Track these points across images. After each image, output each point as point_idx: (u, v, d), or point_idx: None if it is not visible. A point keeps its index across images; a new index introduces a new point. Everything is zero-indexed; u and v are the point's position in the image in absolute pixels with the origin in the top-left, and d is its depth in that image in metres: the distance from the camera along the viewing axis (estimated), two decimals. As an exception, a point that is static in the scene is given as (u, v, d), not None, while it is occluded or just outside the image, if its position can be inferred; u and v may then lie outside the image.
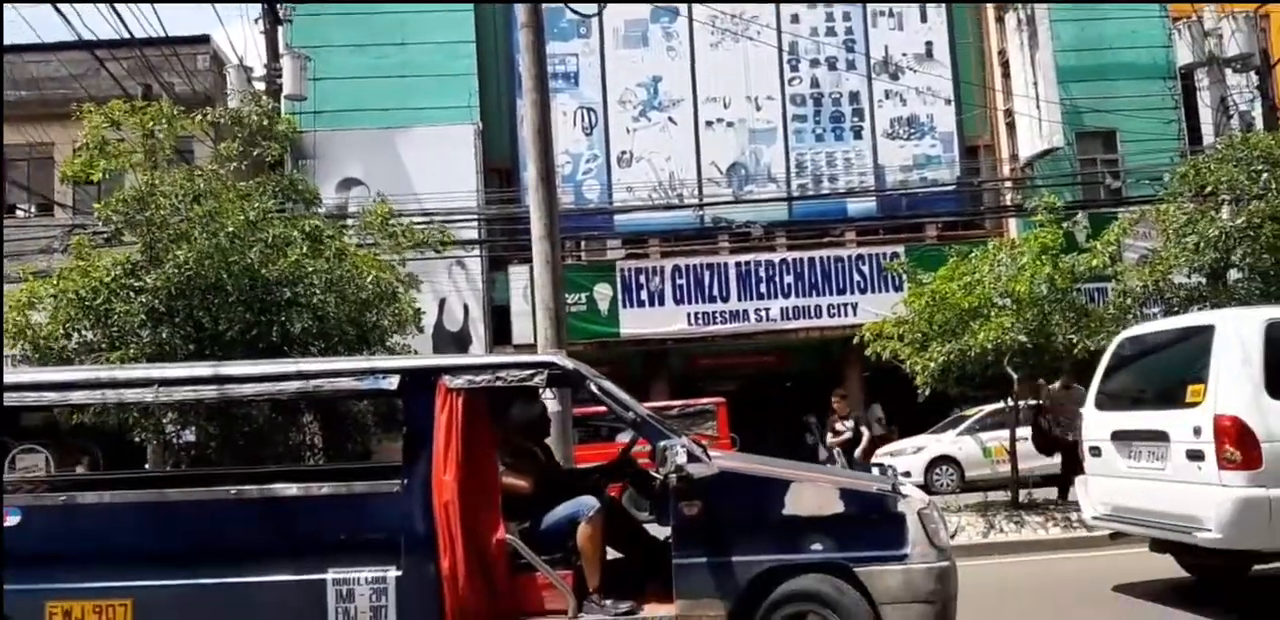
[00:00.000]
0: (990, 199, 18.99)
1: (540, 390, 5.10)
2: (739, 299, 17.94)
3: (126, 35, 13.11)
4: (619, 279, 17.89)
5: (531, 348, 11.05)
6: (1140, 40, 18.71)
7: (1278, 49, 18.51)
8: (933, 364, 10.37)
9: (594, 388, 4.88)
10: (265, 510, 4.72)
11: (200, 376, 4.97)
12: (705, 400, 14.91)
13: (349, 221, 11.86)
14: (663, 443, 4.62)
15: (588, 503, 4.89)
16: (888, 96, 19.07)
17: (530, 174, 9.79)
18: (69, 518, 4.70)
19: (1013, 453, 10.94)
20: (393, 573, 4.56)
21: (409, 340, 10.58)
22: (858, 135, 19.11)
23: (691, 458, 4.59)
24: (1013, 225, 17.80)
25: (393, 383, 4.74)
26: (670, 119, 19.00)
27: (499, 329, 17.55)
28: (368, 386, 4.78)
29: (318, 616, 4.52)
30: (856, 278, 18.07)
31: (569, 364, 4.93)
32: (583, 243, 18.81)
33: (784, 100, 19.07)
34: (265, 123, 11.18)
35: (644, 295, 17.84)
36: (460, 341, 17.42)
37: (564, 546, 4.82)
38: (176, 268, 8.66)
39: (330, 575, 4.55)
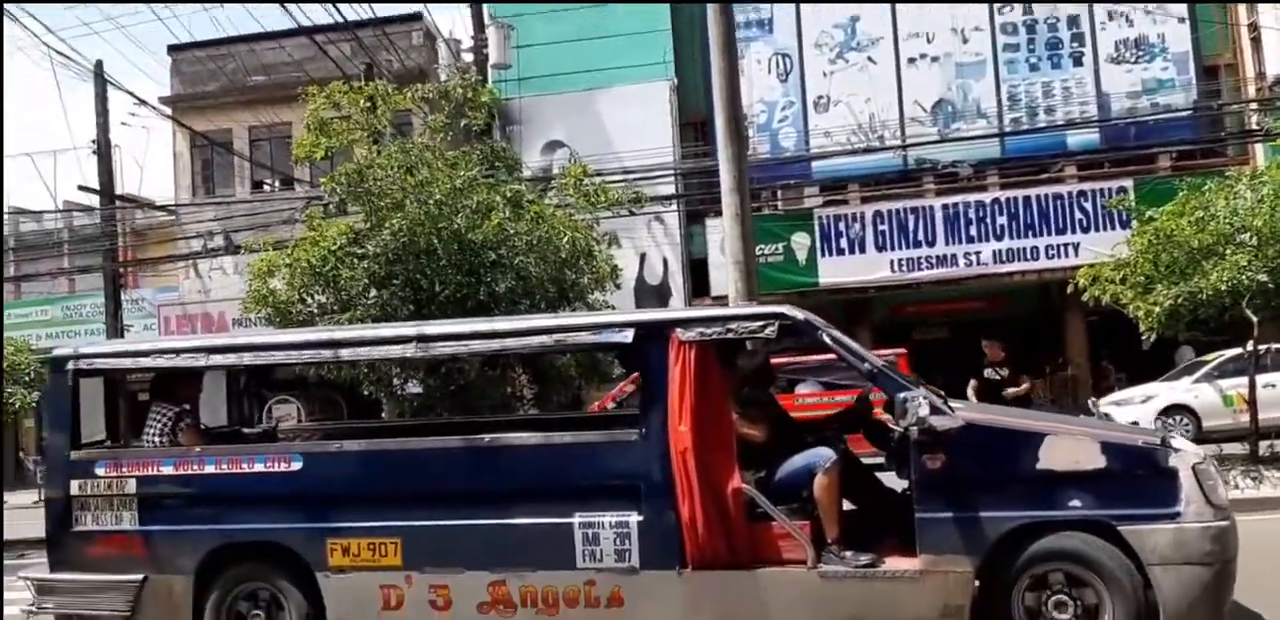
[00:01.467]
0: (1233, 124, 17.09)
1: (767, 341, 5.13)
2: (946, 243, 17.19)
3: (341, 20, 14.00)
4: (817, 227, 17.57)
5: (728, 300, 11.15)
6: None
7: None
8: (1158, 308, 9.63)
9: (826, 338, 4.85)
10: (517, 457, 4.99)
11: (460, 332, 5.30)
12: (885, 351, 14.28)
13: (550, 184, 12.32)
14: (903, 395, 4.51)
15: (824, 453, 4.87)
16: (1111, 17, 17.45)
17: (719, 127, 9.79)
18: (343, 464, 5.15)
19: (1252, 402, 10.04)
20: (634, 517, 4.73)
21: (608, 296, 10.94)
22: (1078, 62, 17.65)
23: (934, 410, 4.48)
24: (1259, 152, 15.98)
25: (628, 336, 4.91)
26: (869, 59, 18.29)
27: (697, 281, 17.76)
28: (605, 339, 4.99)
29: (567, 557, 4.78)
30: (1079, 216, 16.85)
31: (800, 314, 4.91)
32: (779, 192, 18.59)
33: (993, 30, 17.87)
34: (469, 94, 11.71)
35: (843, 243, 17.44)
36: (660, 295, 17.78)
37: (799, 497, 4.82)
38: (392, 235, 9.36)
39: (577, 518, 4.78)
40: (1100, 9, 17.45)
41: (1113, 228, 15.41)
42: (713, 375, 4.80)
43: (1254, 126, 16.29)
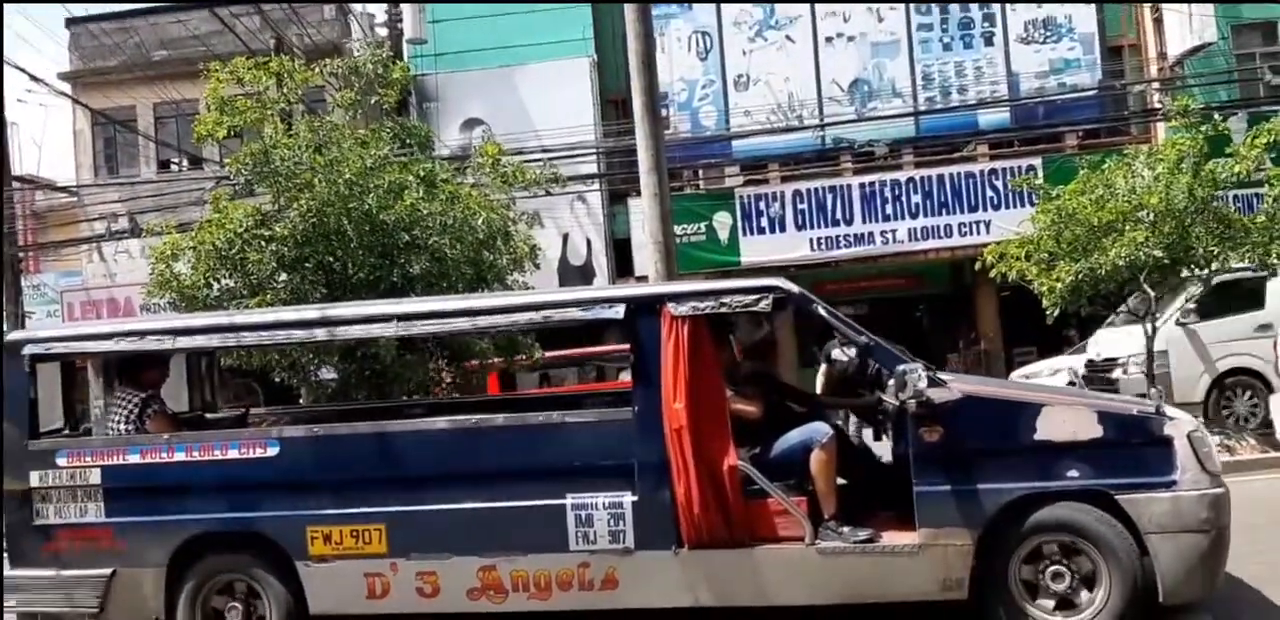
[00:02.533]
0: (1136, 103, 17.66)
1: (763, 314, 5.09)
2: (864, 221, 17.48)
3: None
4: (738, 206, 17.69)
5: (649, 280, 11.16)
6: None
7: None
8: (1060, 284, 9.94)
9: (821, 311, 4.84)
10: (505, 437, 4.91)
11: (443, 310, 5.20)
12: None
13: (466, 162, 12.13)
14: (901, 367, 4.50)
15: (821, 429, 4.86)
16: (1020, -1, 17.84)
17: (636, 106, 9.76)
18: (322, 448, 5.00)
19: (1150, 373, 10.44)
20: (628, 498, 4.67)
21: (527, 277, 10.84)
22: (989, 42, 18.01)
23: (931, 382, 4.47)
24: (1160, 131, 16.53)
25: (619, 311, 4.82)
26: (788, 37, 18.38)
27: (621, 261, 17.76)
28: (594, 315, 4.88)
29: (559, 539, 4.71)
30: (990, 194, 17.27)
31: (794, 288, 4.86)
32: (700, 171, 18.64)
33: (908, 9, 18.11)
34: (381, 70, 11.42)
35: (764, 222, 17.61)
36: (584, 275, 17.74)
37: (795, 473, 4.81)
38: (301, 216, 9.11)
39: (569, 500, 4.71)
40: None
41: (1022, 205, 15.79)
42: (706, 350, 4.74)
43: (1155, 106, 16.84)
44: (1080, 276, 9.77)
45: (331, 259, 9.21)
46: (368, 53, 12.29)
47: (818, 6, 18.24)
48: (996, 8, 17.86)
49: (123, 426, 5.41)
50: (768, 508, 4.68)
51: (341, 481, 4.95)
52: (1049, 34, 17.79)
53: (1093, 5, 17.61)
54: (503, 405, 6.12)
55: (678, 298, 4.75)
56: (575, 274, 17.71)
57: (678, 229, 14.79)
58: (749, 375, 5.21)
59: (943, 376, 4.72)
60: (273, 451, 4.98)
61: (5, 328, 16.57)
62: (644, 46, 9.61)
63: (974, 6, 18.01)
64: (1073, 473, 4.43)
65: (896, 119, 17.68)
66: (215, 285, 9.25)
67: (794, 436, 4.87)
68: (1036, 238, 10.34)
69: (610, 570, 4.68)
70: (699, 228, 17.50)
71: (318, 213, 9.11)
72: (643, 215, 9.89)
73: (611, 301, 4.88)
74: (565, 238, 17.79)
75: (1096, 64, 17.68)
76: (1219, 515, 4.43)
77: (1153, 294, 10.01)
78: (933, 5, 18.10)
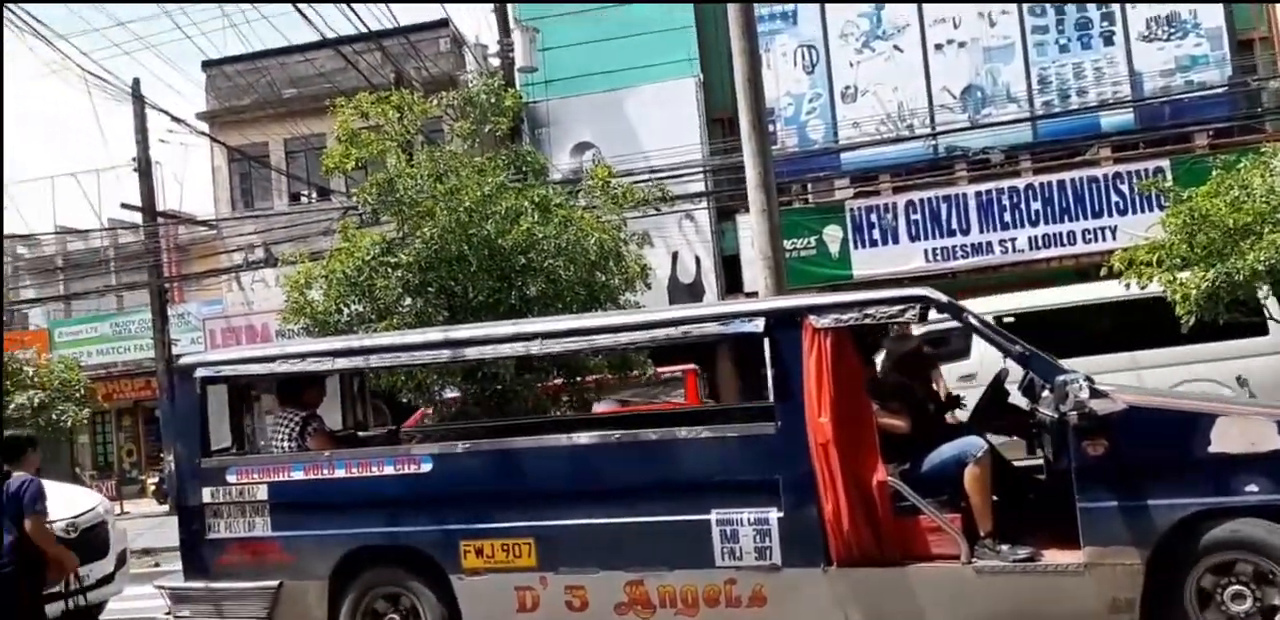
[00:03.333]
0: (1271, 99, 16.72)
1: (913, 325, 5.03)
2: (980, 231, 17.01)
3: (366, 29, 14.23)
4: (849, 219, 17.47)
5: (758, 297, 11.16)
6: None
7: None
8: (1195, 291, 9.49)
9: (973, 321, 4.72)
10: (650, 452, 4.94)
11: (578, 328, 5.26)
12: (674, 368, 13.00)
13: (579, 185, 12.42)
14: (1061, 377, 4.33)
15: (975, 443, 4.71)
16: (1142, -6, 17.16)
17: (743, 124, 9.82)
18: (473, 464, 5.14)
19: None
20: (774, 513, 4.63)
21: (639, 297, 11.01)
22: (1109, 41, 17.38)
23: (1094, 393, 4.30)
24: (1303, 124, 15.65)
25: (758, 325, 4.78)
26: (896, 47, 18.14)
27: (730, 278, 17.77)
28: (734, 330, 4.86)
29: (705, 555, 4.69)
30: (1115, 198, 16.58)
31: (942, 297, 4.74)
32: (809, 185, 18.53)
33: (1021, 12, 17.63)
34: (495, 99, 11.85)
35: (876, 234, 17.35)
36: (694, 293, 17.82)
37: (947, 489, 4.68)
38: (424, 243, 9.52)
39: (714, 515, 4.69)
40: (1130, -13, 17.15)
41: (1149, 210, 15.15)
42: (850, 363, 4.67)
43: (1292, 100, 15.95)
44: (1217, 282, 9.31)
45: (453, 283, 9.58)
46: (481, 83, 12.77)
47: (926, 15, 17.95)
48: (1116, 6, 17.24)
49: (286, 444, 5.65)
50: (920, 525, 4.58)
51: (492, 496, 5.05)
52: (1174, 30, 17.06)
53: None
54: (640, 422, 6.18)
55: (819, 310, 4.69)
56: (685, 292, 17.81)
57: (787, 244, 14.74)
58: (894, 388, 5.12)
59: (1104, 387, 4.51)
60: (426, 468, 5.11)
61: (160, 354, 17.71)
62: (749, 64, 9.67)
63: (1091, 5, 17.42)
64: (1252, 487, 4.21)
65: (1012, 124, 17.21)
66: (345, 311, 9.73)
67: (946, 451, 4.74)
68: (1167, 242, 9.89)
69: (758, 587, 4.63)
70: (809, 242, 17.37)
71: (439, 239, 9.50)
72: (751, 231, 9.93)
73: (751, 315, 4.85)
74: (675, 256, 17.92)
75: (1226, 59, 16.84)
76: None
77: (1297, 300, 9.47)
78: (1048, 6, 17.59)
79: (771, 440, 4.70)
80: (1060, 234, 16.71)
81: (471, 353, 5.41)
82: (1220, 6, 16.82)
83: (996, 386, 5.25)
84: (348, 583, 5.19)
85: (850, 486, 4.47)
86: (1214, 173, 10.14)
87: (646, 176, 13.99)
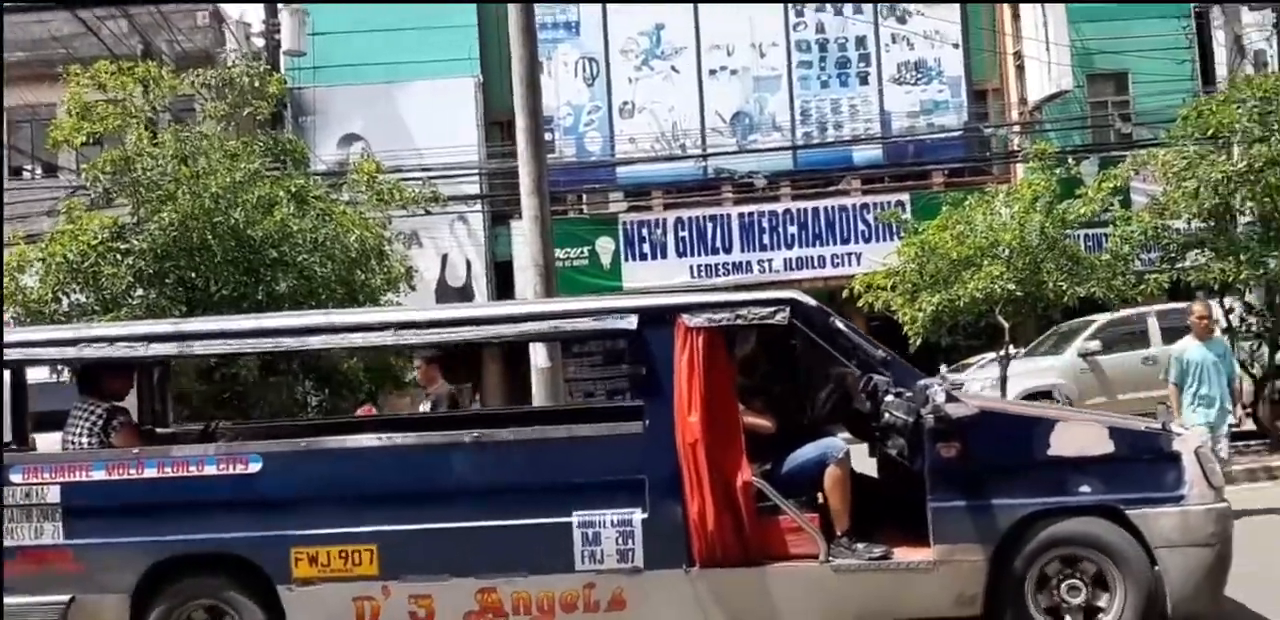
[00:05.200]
0: (998, 144, 18.66)
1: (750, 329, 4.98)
2: (742, 250, 17.86)
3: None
4: (621, 232, 17.84)
5: (524, 303, 11.08)
6: (1153, -22, 18.14)
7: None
8: (922, 314, 10.37)
9: (840, 325, 4.75)
10: (508, 453, 4.71)
11: (445, 319, 4.93)
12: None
13: (343, 179, 11.88)
14: (921, 382, 4.49)
15: (836, 444, 4.77)
16: (894, 40, 18.64)
17: (520, 128, 9.74)
18: (310, 464, 4.71)
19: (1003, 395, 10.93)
20: (639, 515, 4.52)
21: (402, 298, 10.67)
22: (864, 81, 18.76)
23: (949, 397, 4.44)
24: (1020, 171, 17.51)
25: (632, 322, 4.66)
26: (673, 68, 18.72)
27: (502, 284, 17.63)
28: (606, 326, 4.73)
29: (565, 559, 4.53)
30: (861, 227, 17.89)
31: (811, 301, 4.80)
32: (584, 196, 18.74)
33: (789, 46, 18.71)
34: (257, 82, 11.12)
35: (646, 248, 17.80)
36: (463, 297, 17.52)
37: (807, 489, 4.72)
38: (162, 229, 8.77)
39: (576, 517, 4.53)
40: (885, 32, 18.60)
41: (891, 239, 16.37)
42: (720, 364, 4.62)
43: (1015, 148, 17.83)
44: (941, 307, 10.22)
45: (193, 274, 8.89)
46: (243, 64, 11.98)
47: (703, 40, 18.64)
48: (872, 48, 18.62)
49: (85, 439, 5.01)
50: (779, 525, 4.60)
51: (331, 499, 4.67)
52: (920, 76, 18.66)
53: (959, 51, 18.56)
54: (490, 421, 5.90)
55: (692, 309, 4.65)
56: (454, 295, 17.47)
57: (560, 253, 14.81)
58: (753, 389, 5.10)
59: (957, 393, 4.71)
60: (255, 467, 4.66)
61: None
62: (528, 67, 9.60)
63: (851, 46, 18.73)
64: (1085, 488, 4.46)
65: (775, 152, 18.18)
66: (64, 300, 8.77)
67: (808, 452, 4.79)
68: (901, 270, 10.77)
69: (618, 591, 4.53)
70: (582, 252, 17.56)
71: (180, 226, 8.79)
72: (524, 237, 9.86)
73: (624, 312, 4.72)
74: (444, 258, 17.57)
75: (963, 106, 18.62)
76: (1224, 529, 4.51)
77: (1007, 324, 10.54)
78: (813, 42, 18.73)
79: (638, 440, 4.62)
80: (812, 257, 17.81)
81: (315, 341, 4.94)
82: (960, 57, 18.56)
83: (840, 389, 5.32)
84: (154, 596, 4.65)
85: (717, 487, 4.46)
86: (944, 209, 11.15)
87: (418, 175, 13.60)
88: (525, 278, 10.07)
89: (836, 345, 4.79)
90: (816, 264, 17.76)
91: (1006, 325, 10.52)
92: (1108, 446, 4.50)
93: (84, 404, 5.11)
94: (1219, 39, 16.77)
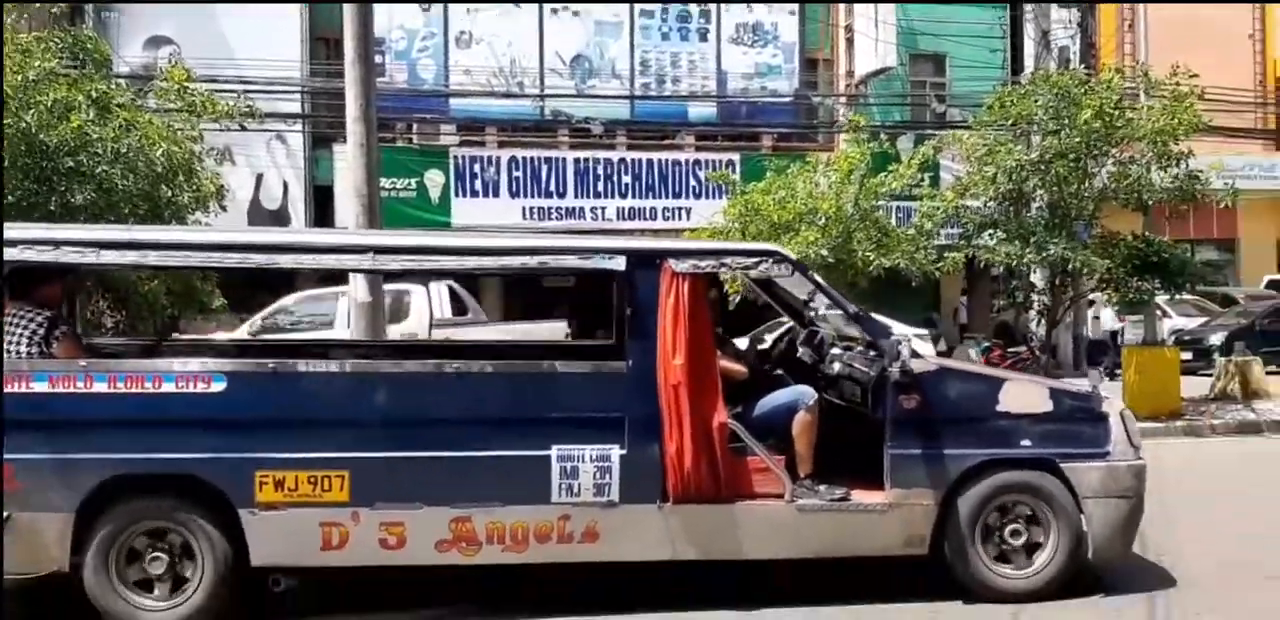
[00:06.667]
0: (824, 113, 19.39)
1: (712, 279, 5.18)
2: (576, 196, 17.88)
3: None
4: (453, 166, 17.44)
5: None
6: (976, -35, 19.14)
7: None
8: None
9: (817, 280, 5.05)
10: (491, 385, 4.73)
11: (429, 247, 4.87)
12: None
13: (149, 86, 11.00)
14: (893, 338, 4.80)
15: (807, 392, 5.02)
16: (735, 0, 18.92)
17: (347, 49, 9.32)
18: (280, 387, 4.60)
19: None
20: (617, 451, 4.63)
21: (211, 218, 10.09)
22: (703, 38, 18.96)
23: (913, 353, 4.76)
24: (842, 142, 18.31)
25: (620, 263, 4.71)
26: (514, 2, 18.27)
27: (321, 209, 16.94)
28: (594, 265, 4.76)
29: (541, 491, 4.58)
30: (693, 183, 18.26)
31: (791, 255, 5.11)
32: (414, 125, 18.15)
33: (631, -8, 18.60)
34: (55, -31, 10.07)
35: (478, 185, 17.50)
36: (279, 220, 16.76)
37: (776, 433, 4.93)
38: (-62, 128, 7.88)
39: (555, 451, 4.60)
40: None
41: (720, 197, 16.87)
42: (703, 309, 4.76)
43: (840, 119, 18.60)
44: (758, 268, 10.66)
45: (-27, 179, 8.05)
46: (39, -55, 10.78)
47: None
48: (713, 6, 18.81)
49: (24, 348, 4.60)
50: (748, 465, 4.82)
51: (301, 423, 4.56)
52: (757, 38, 19.04)
53: (795, 18, 19.04)
54: (466, 350, 5.81)
55: (679, 254, 4.78)
56: (268, 218, 16.67)
57: (386, 183, 14.38)
58: (723, 337, 5.32)
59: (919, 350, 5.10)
60: (218, 387, 4.50)
61: None
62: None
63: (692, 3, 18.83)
64: (1026, 442, 4.88)
65: (613, 99, 18.19)
66: None
67: (780, 397, 5.05)
68: (726, 229, 11.14)
69: (592, 523, 4.64)
70: (409, 184, 17.07)
71: (-39, 126, 7.92)
72: (348, 164, 9.50)
73: (612, 253, 4.79)
74: (259, 179, 16.67)
75: (795, 73, 19.18)
76: (1140, 484, 5.01)
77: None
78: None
79: (620, 379, 4.73)
80: (644, 208, 18.07)
81: (285, 260, 4.74)
82: (795, 23, 19.05)
83: (786, 340, 5.69)
84: (98, 517, 4.46)
85: (695, 427, 4.63)
86: (768, 174, 11.56)
87: (234, 87, 12.74)
88: (346, 206, 9.76)
89: (807, 299, 5.17)
90: (648, 216, 18.02)
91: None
92: (1047, 405, 4.96)
93: (20, 310, 4.69)
94: (1029, 32, 17.94)
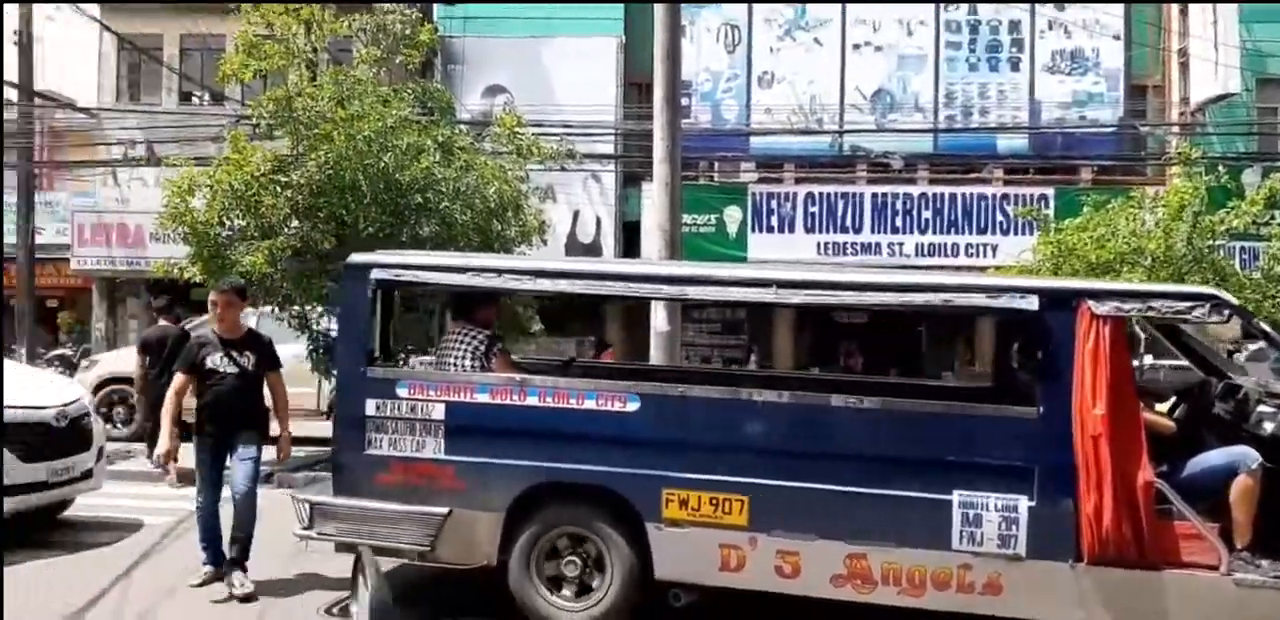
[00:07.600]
0: (1154, 144, 17.80)
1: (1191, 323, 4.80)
2: (872, 231, 17.61)
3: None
4: (750, 202, 17.81)
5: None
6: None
7: None
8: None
9: (1264, 327, 4.68)
10: (894, 422, 4.69)
11: (830, 282, 4.95)
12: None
13: (486, 130, 12.21)
14: None
15: (1250, 454, 4.58)
16: (1051, 27, 17.89)
17: (657, 96, 9.86)
18: (687, 410, 4.80)
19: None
20: (1025, 502, 4.43)
21: (534, 250, 10.98)
22: (1015, 67, 18.11)
23: None
24: (1174, 174, 16.70)
25: (1032, 302, 4.51)
26: (816, 39, 18.42)
27: (629, 244, 17.88)
28: (1003, 304, 4.58)
29: (941, 536, 4.49)
30: (1000, 218, 17.39)
31: (1233, 299, 4.66)
32: (715, 164, 18.73)
33: (938, 26, 18.17)
34: (408, 30, 11.49)
35: (774, 220, 17.73)
36: (591, 253, 17.85)
37: (1209, 497, 4.53)
38: (318, 167, 9.22)
39: (956, 496, 4.48)
40: (1042, 17, 17.87)
41: (1031, 233, 15.95)
42: (1125, 355, 4.50)
43: (1171, 150, 17.00)
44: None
45: (344, 212, 9.34)
46: (397, 12, 12.36)
47: (849, 14, 18.27)
48: (1026, 33, 17.92)
49: (468, 363, 5.21)
50: (1174, 530, 4.44)
51: (705, 446, 4.75)
52: (1075, 66, 17.90)
53: (1119, 43, 17.69)
54: (924, 392, 5.69)
55: (1100, 296, 4.51)
56: (582, 251, 17.82)
57: (687, 218, 14.96)
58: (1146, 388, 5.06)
59: None
60: (633, 407, 4.78)
61: (22, 241, 16.52)
62: (670, 38, 9.72)
63: (1003, 30, 18.07)
64: None
65: (916, 133, 17.79)
66: (228, 224, 9.37)
67: (1216, 458, 4.66)
68: (1036, 268, 10.51)
69: (995, 576, 4.46)
70: (709, 219, 17.63)
71: (334, 165, 9.23)
72: (653, 201, 10.02)
73: (1024, 292, 4.58)
74: (576, 215, 17.90)
75: (1119, 101, 17.80)
76: None
77: (1143, 335, 10.17)
78: (963, 23, 18.15)
79: (1030, 425, 4.51)
80: (945, 245, 17.44)
81: (693, 292, 4.97)
82: (1120, 49, 17.70)
83: (1203, 397, 5.22)
84: (526, 518, 4.86)
85: (1116, 483, 4.32)
86: (1085, 209, 10.78)
87: (556, 131, 13.86)
88: (651, 240, 10.28)
89: (1232, 349, 4.67)
90: (950, 252, 17.38)
91: (1142, 336, 10.16)
92: None
93: (463, 329, 5.33)
94: None
